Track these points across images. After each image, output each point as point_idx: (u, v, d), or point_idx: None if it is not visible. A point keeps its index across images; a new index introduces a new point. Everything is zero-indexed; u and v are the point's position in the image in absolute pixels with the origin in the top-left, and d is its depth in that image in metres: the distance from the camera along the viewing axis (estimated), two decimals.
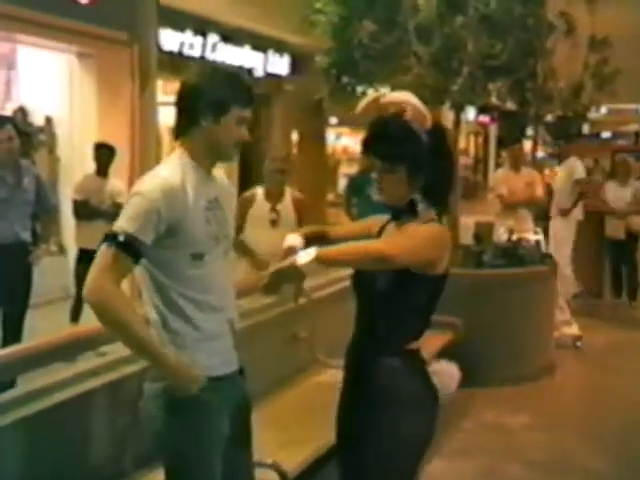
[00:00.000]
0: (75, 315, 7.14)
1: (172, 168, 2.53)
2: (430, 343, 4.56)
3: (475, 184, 26.63)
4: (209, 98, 2.51)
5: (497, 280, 6.70)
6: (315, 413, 4.00)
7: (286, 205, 5.85)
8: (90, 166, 7.73)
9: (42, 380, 3.01)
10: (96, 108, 9.66)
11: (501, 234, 7.42)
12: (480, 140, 32.39)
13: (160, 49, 10.42)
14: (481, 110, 22.83)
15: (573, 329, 7.88)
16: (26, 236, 5.95)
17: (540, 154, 15.70)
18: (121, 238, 2.38)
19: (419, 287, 2.66)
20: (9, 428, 2.75)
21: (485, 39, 6.93)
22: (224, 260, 2.66)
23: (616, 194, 9.59)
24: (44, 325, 5.79)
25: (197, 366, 2.51)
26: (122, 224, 2.41)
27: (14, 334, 5.65)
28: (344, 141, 22.64)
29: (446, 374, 2.91)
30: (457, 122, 7.71)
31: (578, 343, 7.82)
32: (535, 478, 4.92)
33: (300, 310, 4.04)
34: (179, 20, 11.74)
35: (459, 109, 7.63)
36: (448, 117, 8.00)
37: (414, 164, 2.65)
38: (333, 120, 19.06)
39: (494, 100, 9.40)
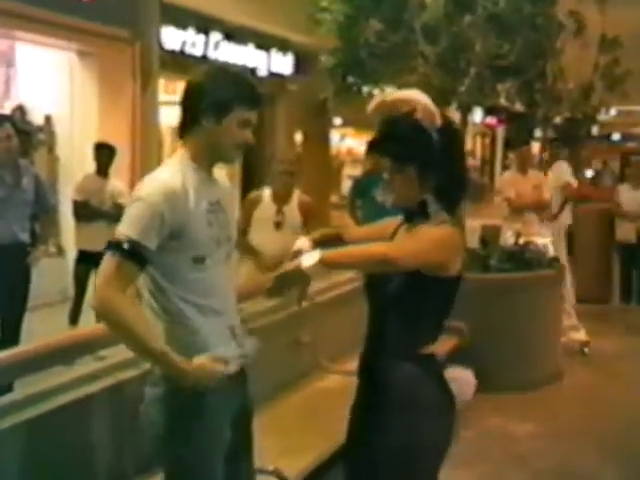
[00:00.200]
0: (74, 318, 7.15)
1: (172, 171, 2.51)
2: (437, 348, 4.49)
3: (482, 186, 26.58)
4: (211, 98, 2.49)
5: (504, 284, 6.63)
6: (317, 419, 4.05)
7: (292, 208, 5.83)
8: (90, 166, 7.70)
9: (41, 384, 3.00)
10: (97, 107, 9.66)
11: (508, 237, 7.36)
12: (487, 142, 32.41)
13: (162, 47, 10.35)
14: (488, 111, 22.86)
15: (581, 334, 7.81)
16: (24, 237, 5.92)
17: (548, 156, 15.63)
18: (126, 246, 2.36)
19: (431, 290, 2.64)
20: (7, 432, 2.73)
21: (493, 39, 6.88)
22: (226, 263, 2.64)
23: (630, 197, 9.52)
24: (42, 328, 5.76)
25: None
26: (125, 231, 2.39)
27: (12, 337, 5.61)
28: (348, 142, 22.61)
29: (463, 381, 2.87)
30: (464, 123, 7.65)
31: (586, 349, 7.74)
32: None
33: (303, 314, 4.04)
34: (181, 18, 11.67)
35: (466, 110, 7.57)
36: (455, 118, 7.93)
37: (424, 163, 2.62)
38: (337, 121, 19.03)
39: (502, 101, 9.33)
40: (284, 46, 14.52)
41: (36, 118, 9.69)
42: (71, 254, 7.88)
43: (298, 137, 16.26)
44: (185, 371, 2.41)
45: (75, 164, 9.47)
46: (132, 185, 7.75)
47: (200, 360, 2.44)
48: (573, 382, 6.86)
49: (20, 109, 9.38)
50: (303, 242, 2.81)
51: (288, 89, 15.14)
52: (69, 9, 8.35)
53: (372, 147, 2.85)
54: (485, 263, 6.78)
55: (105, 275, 2.37)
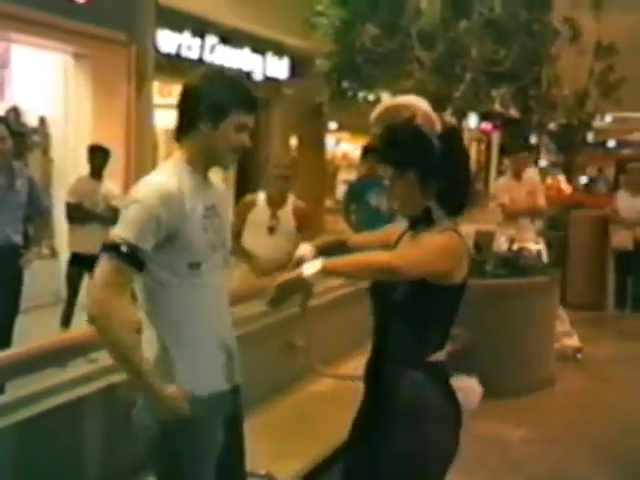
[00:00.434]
0: (66, 320, 7.13)
1: (168, 173, 2.49)
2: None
3: (476, 192, 26.57)
4: (209, 102, 2.48)
5: (498, 290, 6.61)
6: (310, 423, 4.02)
7: (287, 213, 5.80)
8: (84, 168, 7.68)
9: (32, 386, 2.97)
10: (91, 109, 9.63)
11: (501, 243, 7.36)
12: (482, 147, 32.43)
13: (158, 50, 10.33)
14: (483, 117, 22.86)
15: (574, 340, 7.79)
16: (17, 239, 5.88)
17: (543, 163, 15.66)
18: (124, 249, 2.33)
19: (437, 298, 2.64)
20: None
21: (489, 44, 6.88)
22: (221, 269, 2.62)
23: (628, 204, 9.51)
24: (34, 330, 5.77)
25: (187, 380, 2.46)
26: (121, 233, 2.36)
27: (3, 339, 5.56)
28: (344, 147, 22.56)
29: (470, 390, 2.86)
30: (459, 129, 7.63)
31: (579, 355, 7.73)
32: None
33: (297, 318, 3.98)
34: (177, 21, 11.66)
35: (461, 116, 7.57)
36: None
37: (425, 169, 2.62)
38: (333, 125, 19.00)
39: (497, 107, 9.34)
40: (280, 50, 14.50)
41: (30, 120, 9.65)
42: (64, 256, 7.87)
43: (293, 141, 16.23)
44: (161, 395, 2.39)
45: (69, 166, 9.44)
46: (126, 188, 7.74)
47: (172, 389, 2.42)
48: (566, 388, 6.85)
49: (14, 111, 9.33)
50: (305, 249, 2.79)
51: (283, 93, 15.11)
52: (65, 11, 8.34)
53: (368, 152, 2.85)
54: (481, 269, 6.77)
55: (102, 278, 2.35)
